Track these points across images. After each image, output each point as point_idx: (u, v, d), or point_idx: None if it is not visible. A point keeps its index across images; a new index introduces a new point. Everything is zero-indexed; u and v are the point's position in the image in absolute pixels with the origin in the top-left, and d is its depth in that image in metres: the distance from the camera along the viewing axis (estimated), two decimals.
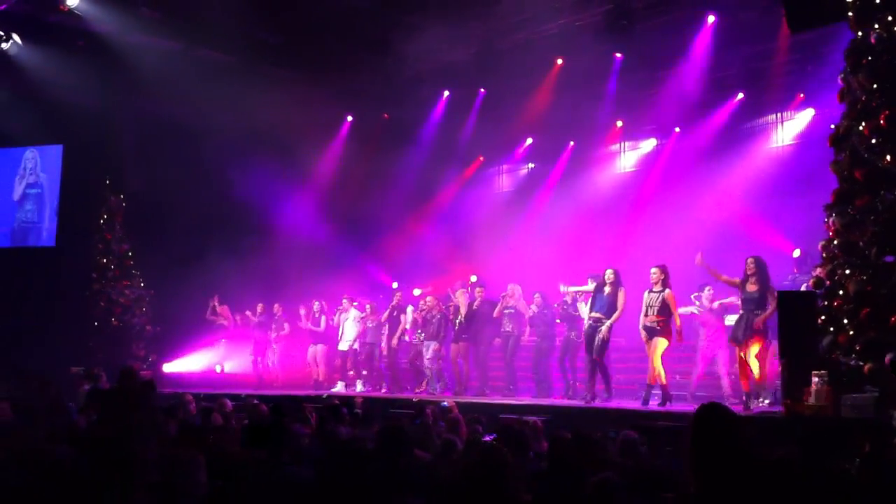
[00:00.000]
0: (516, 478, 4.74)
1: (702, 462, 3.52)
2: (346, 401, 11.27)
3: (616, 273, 12.07)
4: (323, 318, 16.43)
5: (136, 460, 5.29)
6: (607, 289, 12.01)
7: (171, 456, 4.77)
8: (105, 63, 16.75)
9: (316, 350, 16.46)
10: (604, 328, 11.85)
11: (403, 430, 6.13)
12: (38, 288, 18.51)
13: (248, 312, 17.75)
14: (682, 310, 12.53)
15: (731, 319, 12.20)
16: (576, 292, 13.42)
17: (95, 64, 16.68)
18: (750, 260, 10.79)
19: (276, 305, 17.56)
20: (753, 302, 10.64)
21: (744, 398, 10.61)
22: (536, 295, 14.09)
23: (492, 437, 7.11)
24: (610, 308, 11.90)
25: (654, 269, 11.48)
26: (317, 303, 16.59)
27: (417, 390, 14.74)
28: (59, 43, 16.85)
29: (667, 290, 11.29)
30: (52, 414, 9.07)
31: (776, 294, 10.55)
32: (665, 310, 11.28)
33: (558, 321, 13.88)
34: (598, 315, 11.99)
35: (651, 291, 11.41)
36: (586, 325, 12.28)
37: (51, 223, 19.99)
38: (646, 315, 11.37)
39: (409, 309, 15.62)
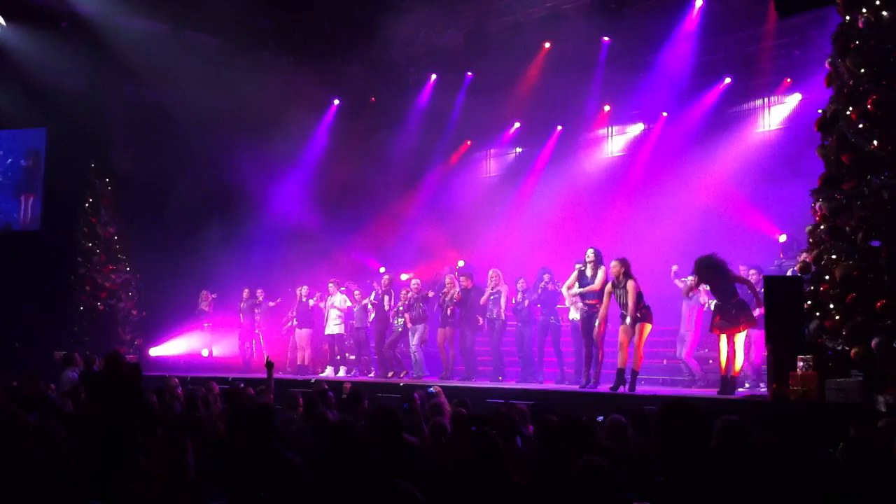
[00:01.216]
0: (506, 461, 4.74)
1: (670, 458, 3.54)
2: (335, 386, 11.26)
3: (597, 252, 12.11)
4: (310, 302, 16.38)
5: (125, 444, 5.28)
6: (588, 270, 12.04)
7: (158, 439, 4.76)
8: (90, 45, 16.62)
9: (301, 334, 16.41)
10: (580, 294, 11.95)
11: (394, 413, 6.13)
12: (22, 272, 18.40)
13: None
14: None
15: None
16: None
17: (80, 46, 16.55)
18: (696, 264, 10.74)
19: (258, 291, 17.50)
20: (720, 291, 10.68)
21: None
22: (520, 280, 14.08)
23: (476, 422, 7.10)
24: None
25: (613, 263, 11.38)
26: (304, 287, 16.55)
27: (390, 374, 14.71)
28: (42, 24, 16.71)
29: (629, 282, 11.24)
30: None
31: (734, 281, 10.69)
32: (639, 298, 11.26)
33: (538, 305, 13.87)
34: (592, 301, 11.98)
35: (617, 288, 11.34)
36: (581, 311, 12.26)
37: (35, 207, 19.86)
38: (625, 307, 11.32)
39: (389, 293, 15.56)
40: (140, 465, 5.02)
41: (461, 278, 14.59)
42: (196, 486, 4.58)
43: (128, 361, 9.35)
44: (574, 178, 18.63)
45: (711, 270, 10.58)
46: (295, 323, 16.54)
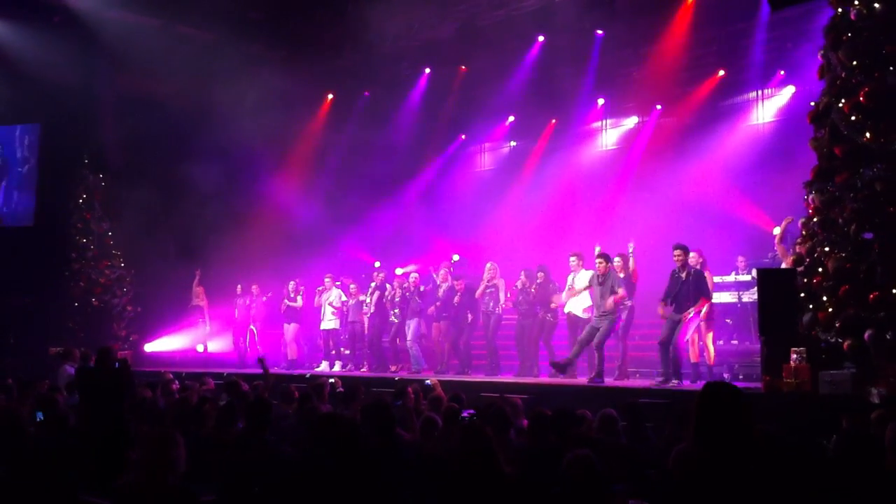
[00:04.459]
0: (498, 453, 4.74)
1: (706, 437, 3.52)
2: (329, 380, 11.24)
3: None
4: (299, 296, 16.36)
5: (116, 438, 5.28)
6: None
7: (150, 434, 4.75)
8: (83, 39, 16.56)
9: (291, 329, 16.39)
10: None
11: (387, 406, 6.12)
12: (16, 268, 18.34)
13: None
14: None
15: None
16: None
17: (73, 40, 16.48)
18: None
19: (253, 286, 17.47)
20: None
21: None
22: (522, 273, 13.97)
23: (470, 412, 7.11)
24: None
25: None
26: (292, 282, 16.52)
27: (394, 368, 14.72)
28: (35, 19, 16.64)
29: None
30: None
31: None
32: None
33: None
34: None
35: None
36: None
37: (29, 202, 19.79)
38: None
39: (388, 286, 15.52)
40: (131, 459, 5.01)
41: (454, 282, 14.46)
42: (188, 479, 4.58)
43: (118, 357, 9.31)
44: (569, 172, 18.62)
45: None
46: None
